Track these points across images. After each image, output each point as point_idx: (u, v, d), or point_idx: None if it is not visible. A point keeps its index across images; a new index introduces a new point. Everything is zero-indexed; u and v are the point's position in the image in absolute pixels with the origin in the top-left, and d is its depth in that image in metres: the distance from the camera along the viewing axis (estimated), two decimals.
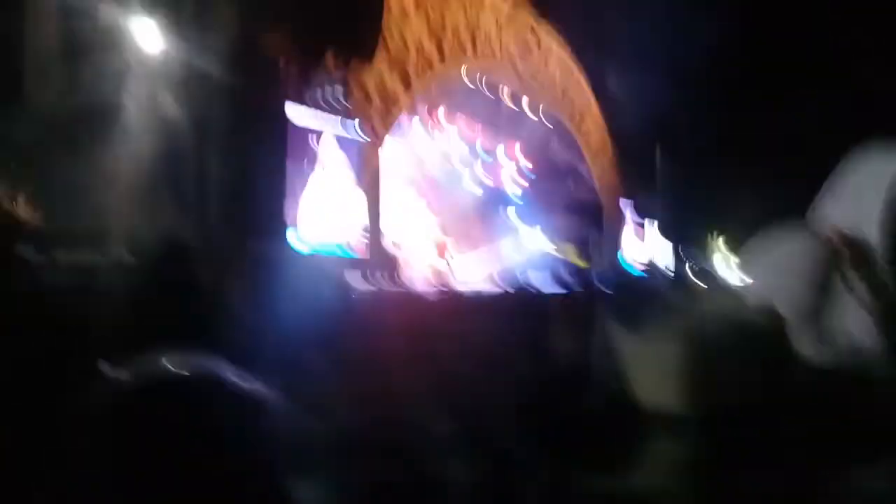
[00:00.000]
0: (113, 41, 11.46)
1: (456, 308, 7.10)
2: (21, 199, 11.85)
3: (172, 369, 0.78)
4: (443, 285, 16.03)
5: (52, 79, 11.17)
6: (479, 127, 25.88)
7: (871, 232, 1.65)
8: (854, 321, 1.55)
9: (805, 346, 1.55)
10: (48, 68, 11.31)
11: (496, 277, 21.78)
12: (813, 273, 1.56)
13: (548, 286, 10.49)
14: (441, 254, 18.49)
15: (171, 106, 11.53)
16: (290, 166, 13.03)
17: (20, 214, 11.58)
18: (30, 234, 8.72)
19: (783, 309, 1.47)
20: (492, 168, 28.89)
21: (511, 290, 10.23)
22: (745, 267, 1.71)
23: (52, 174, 11.52)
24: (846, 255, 1.56)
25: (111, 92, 11.32)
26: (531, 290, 9.40)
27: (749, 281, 1.67)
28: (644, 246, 31.42)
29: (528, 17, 22.93)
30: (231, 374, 0.74)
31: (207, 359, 0.75)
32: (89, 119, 11.16)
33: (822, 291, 1.56)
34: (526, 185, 30.27)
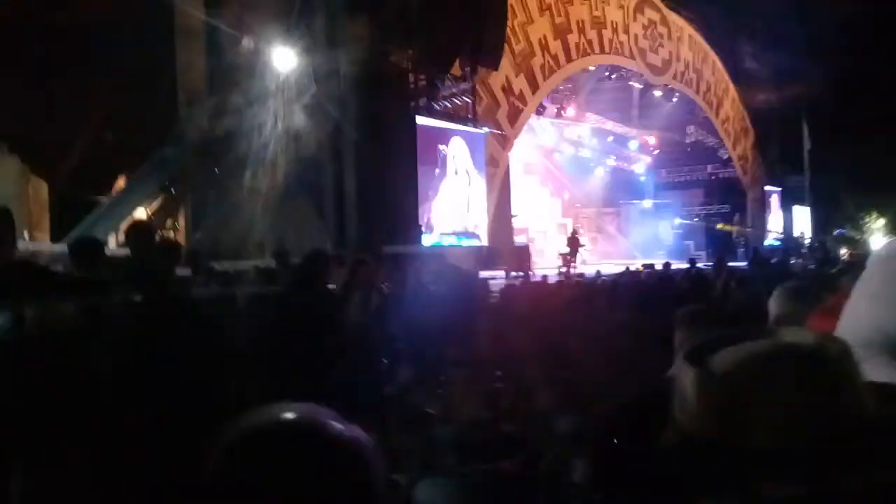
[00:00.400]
0: (254, 67, 12.29)
1: (584, 291, 7.11)
2: (177, 222, 12.99)
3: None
4: (574, 271, 15.89)
5: (200, 108, 12.11)
6: (611, 119, 25.51)
7: None
8: None
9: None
10: (197, 98, 12.28)
11: (627, 261, 21.36)
12: None
13: (678, 266, 10.24)
14: (572, 241, 18.38)
15: (309, 123, 12.21)
16: (422, 173, 13.44)
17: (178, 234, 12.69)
18: (190, 251, 9.50)
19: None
20: (624, 157, 28.45)
21: (639, 272, 10.07)
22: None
23: (206, 193, 12.54)
24: None
25: (255, 115, 12.15)
26: (660, 269, 9.22)
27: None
28: (790, 229, 29.81)
29: (656, 7, 22.30)
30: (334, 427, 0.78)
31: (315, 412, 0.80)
32: (237, 141, 12.04)
33: None
34: (662, 171, 29.60)
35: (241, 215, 11.69)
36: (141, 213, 12.78)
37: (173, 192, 13.03)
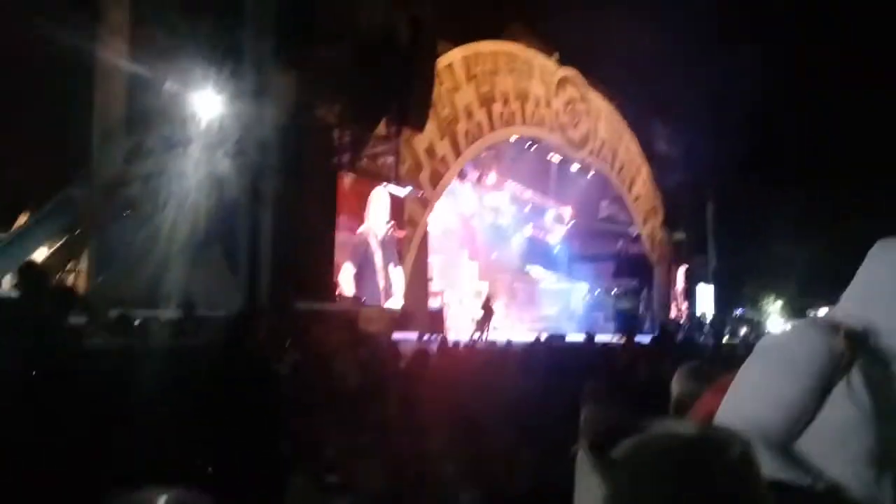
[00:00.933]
0: (175, 111, 12.06)
1: (496, 358, 7.11)
2: (79, 265, 12.42)
3: None
4: (487, 338, 15.97)
5: (116, 148, 11.77)
6: (529, 189, 26.16)
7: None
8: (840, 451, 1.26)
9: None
10: (113, 138, 11.93)
11: (539, 329, 21.68)
12: (813, 375, 1.28)
13: (588, 338, 10.45)
14: (486, 307, 18.51)
15: (229, 171, 11.99)
16: (341, 228, 13.35)
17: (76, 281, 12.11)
18: (88, 300, 9.06)
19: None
20: (540, 227, 29.13)
21: (551, 341, 10.17)
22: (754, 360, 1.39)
23: (114, 237, 12.07)
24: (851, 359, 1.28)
25: (172, 159, 11.87)
26: (569, 341, 9.35)
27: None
28: (693, 307, 31.00)
29: (577, 85, 23.27)
30: None
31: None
32: (151, 184, 11.70)
33: (814, 398, 1.28)
34: (574, 243, 30.42)
35: (148, 262, 11.26)
36: (41, 254, 12.17)
37: (78, 232, 12.50)
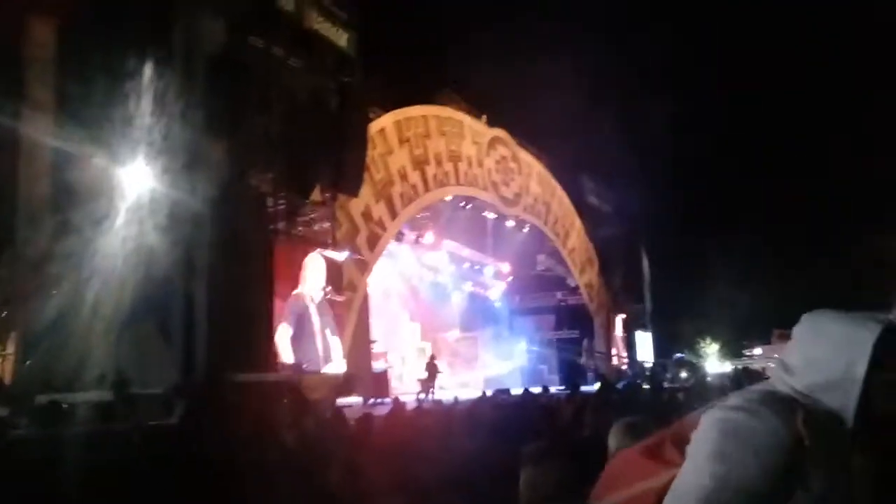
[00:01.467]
0: (103, 185, 11.85)
1: (442, 418, 7.06)
2: (6, 349, 11.91)
3: None
4: (433, 397, 15.86)
5: (41, 226, 11.46)
6: (467, 247, 26.42)
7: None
8: None
9: None
10: (38, 216, 11.62)
11: (483, 385, 21.69)
12: (778, 463, 1.21)
13: (532, 391, 10.51)
14: (430, 367, 18.42)
15: (161, 244, 11.78)
16: (278, 296, 13.17)
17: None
18: (11, 388, 8.70)
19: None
20: (480, 284, 29.38)
21: (497, 396, 10.16)
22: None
23: (41, 317, 11.63)
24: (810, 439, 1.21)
25: (101, 235, 11.60)
26: (516, 395, 9.37)
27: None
28: (633, 354, 31.52)
29: (507, 144, 23.87)
30: None
31: None
32: (80, 262, 11.38)
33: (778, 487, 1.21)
34: (514, 298, 30.75)
35: (78, 341, 10.87)
36: None
37: (4, 315, 12.01)
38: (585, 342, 28.15)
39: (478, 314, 29.14)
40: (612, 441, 2.39)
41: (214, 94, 12.83)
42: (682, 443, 1.36)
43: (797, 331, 1.42)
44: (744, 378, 10.36)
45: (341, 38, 16.35)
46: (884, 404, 1.25)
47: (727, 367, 44.18)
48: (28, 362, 11.14)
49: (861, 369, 1.25)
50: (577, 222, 28.78)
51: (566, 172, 27.90)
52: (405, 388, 19.92)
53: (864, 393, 1.24)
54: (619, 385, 16.54)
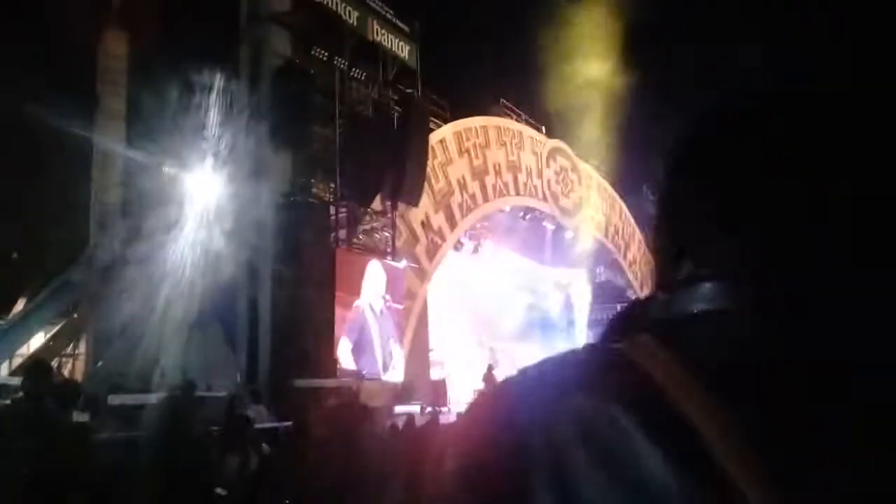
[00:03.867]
0: (172, 193, 12.19)
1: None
2: (78, 349, 12.32)
3: None
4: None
5: (113, 232, 11.83)
6: (525, 257, 26.25)
7: None
8: None
9: None
10: (110, 222, 12.00)
11: None
12: None
13: None
14: (488, 377, 18.27)
15: (227, 250, 12.03)
16: (340, 303, 13.29)
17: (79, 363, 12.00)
18: (88, 390, 8.95)
19: None
20: (541, 296, 29.10)
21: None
22: None
23: (112, 319, 11.99)
24: None
25: (170, 241, 11.92)
26: None
27: None
28: None
29: (567, 155, 23.68)
30: None
31: None
32: (149, 266, 11.70)
33: None
34: (575, 310, 30.36)
35: (148, 343, 11.17)
36: (39, 338, 12.08)
37: (76, 316, 12.43)
38: None
39: (536, 324, 28.89)
40: None
41: (279, 105, 13.09)
42: None
43: None
44: None
45: (403, 50, 16.53)
46: None
47: None
48: (100, 363, 11.48)
49: None
50: (638, 234, 28.33)
51: (628, 184, 27.54)
52: (463, 397, 19.83)
53: None
54: None
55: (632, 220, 27.89)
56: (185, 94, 11.93)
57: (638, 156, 26.92)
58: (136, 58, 12.65)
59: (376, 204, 15.14)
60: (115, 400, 8.79)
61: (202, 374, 11.18)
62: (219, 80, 12.31)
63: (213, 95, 12.29)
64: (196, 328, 11.95)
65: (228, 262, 11.88)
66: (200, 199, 12.27)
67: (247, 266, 12.53)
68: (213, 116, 12.29)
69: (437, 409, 15.15)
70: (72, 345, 12.49)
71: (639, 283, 28.20)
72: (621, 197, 27.14)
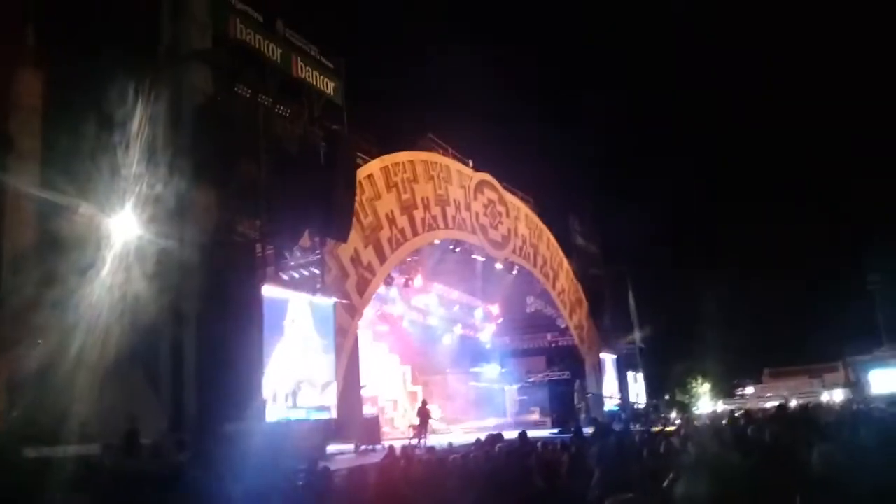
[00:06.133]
0: (90, 234, 11.76)
1: (434, 464, 6.93)
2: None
3: None
4: (425, 443, 15.63)
5: (26, 275, 11.34)
6: (456, 290, 26.37)
7: None
8: None
9: None
10: (23, 265, 11.51)
11: (476, 427, 21.45)
12: None
13: (528, 437, 10.38)
14: (422, 412, 18.19)
15: (148, 292, 11.66)
16: (267, 343, 13.01)
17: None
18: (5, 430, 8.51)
19: None
20: (470, 326, 29.22)
21: (491, 443, 10.01)
22: None
23: (26, 368, 11.44)
24: None
25: (88, 283, 11.48)
26: (511, 441, 9.25)
27: None
28: (626, 394, 31.32)
29: (495, 187, 24.01)
30: None
31: None
32: (65, 311, 11.24)
33: None
34: (505, 339, 30.58)
35: (65, 391, 10.67)
36: None
37: None
38: (577, 383, 27.95)
39: (469, 355, 29.00)
40: None
41: (202, 143, 12.88)
42: None
43: None
44: (742, 422, 10.27)
45: (328, 87, 16.53)
46: None
47: (720, 406, 43.96)
48: (13, 413, 10.90)
49: None
50: (566, 263, 28.84)
51: (554, 214, 28.09)
52: (397, 433, 19.66)
53: None
54: (615, 427, 16.36)
55: (559, 250, 28.38)
56: (103, 132, 11.61)
57: (565, 186, 27.56)
58: (52, 96, 12.27)
59: (304, 240, 14.97)
60: (30, 452, 8.38)
61: (124, 422, 10.75)
62: (139, 118, 12.03)
63: (133, 133, 11.99)
64: (115, 374, 11.48)
65: (149, 304, 11.51)
66: (119, 241, 11.87)
67: (170, 308, 12.16)
68: (133, 155, 11.97)
69: (370, 447, 14.99)
70: None
71: (567, 311, 28.63)
72: (549, 227, 27.61)
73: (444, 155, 21.68)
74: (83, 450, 8.92)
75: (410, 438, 17.15)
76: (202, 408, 11.99)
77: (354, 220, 15.86)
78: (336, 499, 4.87)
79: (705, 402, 44.96)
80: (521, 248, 25.36)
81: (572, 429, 13.59)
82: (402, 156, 19.42)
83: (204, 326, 12.28)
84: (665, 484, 3.10)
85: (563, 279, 28.51)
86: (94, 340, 11.28)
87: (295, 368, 13.63)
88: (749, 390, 54.12)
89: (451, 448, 9.85)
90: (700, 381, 46.02)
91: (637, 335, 32.87)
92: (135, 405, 11.68)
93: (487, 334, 29.83)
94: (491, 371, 28.96)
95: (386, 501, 4.49)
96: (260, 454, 9.23)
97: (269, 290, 13.34)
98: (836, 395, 43.76)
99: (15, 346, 11.62)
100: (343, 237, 15.32)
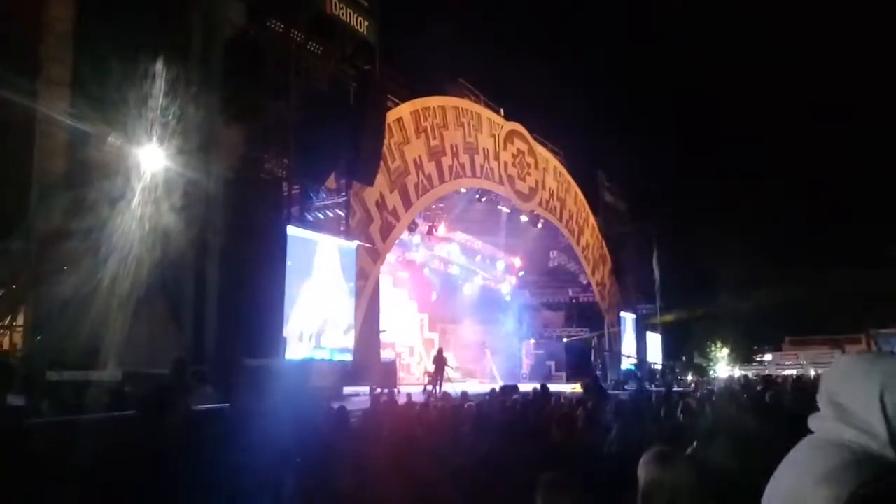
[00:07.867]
0: (119, 164, 11.80)
1: (449, 410, 6.97)
2: (17, 321, 11.91)
3: None
4: (440, 390, 15.80)
5: (55, 203, 11.44)
6: (479, 240, 26.31)
7: None
8: None
9: None
10: (52, 193, 11.60)
11: (490, 378, 21.63)
12: None
13: (546, 387, 10.40)
14: (438, 359, 18.33)
15: (174, 224, 11.73)
16: (295, 282, 13.10)
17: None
18: (27, 359, 8.67)
19: None
20: (491, 277, 29.24)
21: (506, 394, 10.07)
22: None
23: (52, 292, 11.62)
24: None
25: (115, 213, 11.56)
26: (525, 393, 9.28)
27: None
28: (643, 354, 31.32)
29: (524, 138, 23.69)
30: None
31: None
32: (92, 239, 11.34)
33: None
34: (525, 293, 30.59)
35: (89, 318, 10.83)
36: None
37: (15, 287, 12.00)
38: (595, 340, 27.97)
39: (488, 306, 29.05)
40: (643, 472, 2.27)
41: (231, 77, 12.75)
42: None
43: (836, 374, 1.34)
44: (759, 386, 10.19)
45: (361, 25, 16.23)
46: None
47: (736, 371, 43.95)
48: (39, 337, 11.12)
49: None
50: (592, 219, 28.58)
51: (583, 169, 27.71)
52: (412, 379, 19.88)
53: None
54: (628, 387, 16.38)
55: (586, 205, 28.10)
56: (133, 62, 11.53)
57: (595, 140, 27.15)
58: (83, 24, 12.17)
59: (330, 181, 14.92)
60: (53, 376, 8.54)
61: (146, 351, 10.94)
62: (169, 50, 11.91)
63: (163, 65, 11.89)
64: (141, 303, 11.63)
65: (175, 236, 11.58)
66: (147, 172, 11.90)
67: (195, 241, 12.23)
68: (162, 87, 11.90)
69: (385, 391, 15.15)
70: (9, 317, 12.06)
71: (591, 268, 28.49)
72: (577, 181, 27.30)
73: (475, 101, 21.36)
74: (106, 375, 9.06)
75: (426, 385, 17.32)
76: (222, 341, 12.14)
77: (381, 163, 15.76)
78: (350, 437, 4.90)
79: (722, 366, 44.94)
80: (547, 202, 25.13)
81: (590, 384, 13.59)
82: (433, 100, 19.16)
83: (228, 260, 12.34)
84: (689, 451, 3.04)
85: (588, 235, 28.30)
86: (121, 270, 11.41)
87: (321, 309, 13.73)
88: (768, 357, 53.97)
89: (465, 396, 9.91)
90: (719, 345, 45.91)
91: (658, 296, 32.72)
92: (158, 336, 11.86)
93: (508, 286, 29.82)
94: (509, 323, 29.03)
95: (399, 444, 4.50)
96: (277, 390, 9.34)
97: (296, 230, 13.36)
98: None
99: (43, 273, 11.80)
100: (370, 181, 15.25)
